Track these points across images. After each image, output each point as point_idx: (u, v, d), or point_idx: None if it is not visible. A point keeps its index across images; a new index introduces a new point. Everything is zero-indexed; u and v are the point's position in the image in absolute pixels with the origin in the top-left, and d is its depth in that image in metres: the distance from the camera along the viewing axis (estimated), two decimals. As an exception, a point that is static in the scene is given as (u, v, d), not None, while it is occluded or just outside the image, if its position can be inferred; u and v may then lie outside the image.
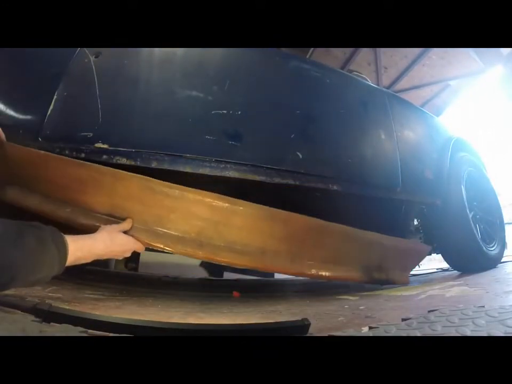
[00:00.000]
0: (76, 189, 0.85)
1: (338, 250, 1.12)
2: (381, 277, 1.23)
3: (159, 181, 0.84)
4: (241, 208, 0.90)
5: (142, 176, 0.83)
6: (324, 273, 1.10)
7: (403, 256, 1.34)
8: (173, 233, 0.87)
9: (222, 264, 0.98)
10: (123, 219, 0.83)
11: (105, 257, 0.77)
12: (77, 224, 0.83)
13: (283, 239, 1.00)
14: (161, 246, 0.87)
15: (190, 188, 0.86)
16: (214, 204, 0.87)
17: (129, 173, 0.82)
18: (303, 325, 0.64)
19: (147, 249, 0.88)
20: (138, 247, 0.84)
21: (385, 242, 1.22)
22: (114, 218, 0.84)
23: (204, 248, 0.90)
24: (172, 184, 0.85)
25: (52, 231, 0.64)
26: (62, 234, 0.65)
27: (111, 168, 0.82)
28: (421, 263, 1.50)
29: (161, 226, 0.87)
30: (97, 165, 0.81)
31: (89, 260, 0.72)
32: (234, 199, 0.90)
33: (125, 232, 0.83)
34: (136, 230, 0.84)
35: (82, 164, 0.81)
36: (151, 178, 0.83)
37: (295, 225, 0.99)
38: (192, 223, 0.88)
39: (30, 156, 0.82)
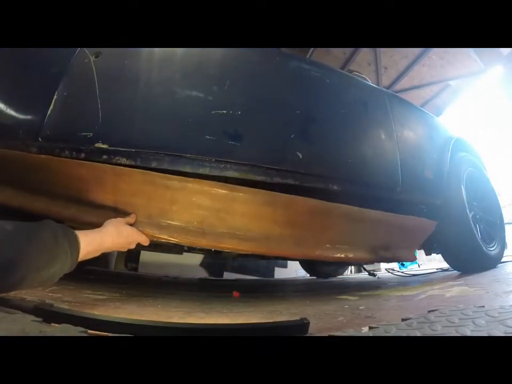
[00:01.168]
0: (79, 188, 0.87)
1: (343, 231, 1.12)
2: (388, 255, 1.24)
3: (158, 173, 0.84)
4: (241, 194, 0.91)
5: (141, 170, 0.84)
6: (329, 255, 1.11)
7: (409, 233, 1.33)
8: (176, 223, 0.89)
9: (226, 250, 0.97)
10: (127, 214, 0.85)
11: (111, 250, 0.79)
12: (83, 222, 0.84)
13: (286, 223, 1.00)
14: (166, 237, 0.88)
15: (190, 178, 0.86)
16: (213, 192, 0.88)
17: (129, 168, 0.83)
18: (303, 324, 0.64)
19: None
20: (143, 239, 0.86)
21: (390, 220, 1.21)
22: (119, 213, 0.85)
23: (207, 236, 0.91)
24: (171, 175, 0.85)
25: (64, 227, 0.66)
26: (73, 230, 0.67)
27: (111, 165, 0.83)
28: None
29: (164, 218, 0.88)
30: (97, 163, 0.82)
31: (97, 254, 0.74)
32: (234, 185, 0.90)
33: (130, 225, 0.85)
34: (141, 223, 0.86)
35: (83, 164, 0.82)
36: (150, 171, 0.84)
37: (297, 208, 0.99)
38: (194, 212, 0.90)
39: (33, 161, 0.83)
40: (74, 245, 0.65)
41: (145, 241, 0.87)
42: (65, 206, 0.87)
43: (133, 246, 0.85)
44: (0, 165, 0.86)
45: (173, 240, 0.89)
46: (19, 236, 0.56)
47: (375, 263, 2.42)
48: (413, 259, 1.36)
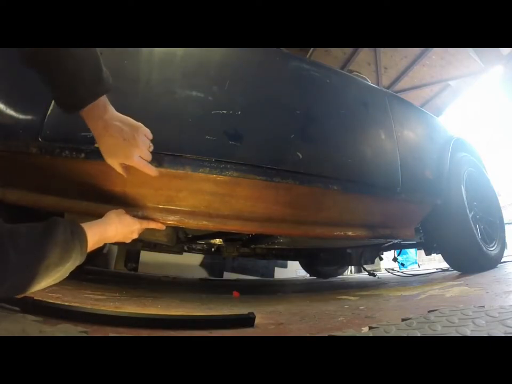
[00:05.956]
0: (89, 183, 0.88)
1: (342, 212, 1.18)
2: (386, 232, 1.30)
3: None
4: (244, 180, 0.94)
5: None
6: (329, 232, 1.16)
7: (406, 213, 1.38)
8: (184, 209, 0.94)
9: (232, 231, 1.02)
10: (136, 204, 0.89)
11: (115, 240, 0.80)
12: (94, 214, 0.85)
13: (287, 204, 1.05)
14: (175, 222, 0.93)
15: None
16: (218, 179, 0.91)
17: None
18: (249, 317, 0.72)
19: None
20: (158, 226, 0.91)
21: (388, 203, 1.26)
22: (128, 204, 0.89)
23: (214, 220, 0.97)
24: None
25: (72, 224, 0.67)
26: (80, 225, 0.68)
27: None
28: (421, 263, 1.52)
29: (172, 205, 0.93)
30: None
31: (100, 244, 0.76)
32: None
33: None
34: (150, 211, 0.90)
35: (90, 162, 0.83)
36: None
37: (298, 192, 1.03)
38: (200, 198, 0.94)
39: (41, 160, 0.84)
40: (83, 240, 0.67)
41: (159, 226, 0.91)
42: (76, 201, 0.90)
43: (135, 236, 0.86)
44: (11, 168, 0.88)
45: (182, 224, 0.94)
46: (34, 238, 0.57)
47: (375, 263, 2.42)
48: (411, 236, 1.39)
